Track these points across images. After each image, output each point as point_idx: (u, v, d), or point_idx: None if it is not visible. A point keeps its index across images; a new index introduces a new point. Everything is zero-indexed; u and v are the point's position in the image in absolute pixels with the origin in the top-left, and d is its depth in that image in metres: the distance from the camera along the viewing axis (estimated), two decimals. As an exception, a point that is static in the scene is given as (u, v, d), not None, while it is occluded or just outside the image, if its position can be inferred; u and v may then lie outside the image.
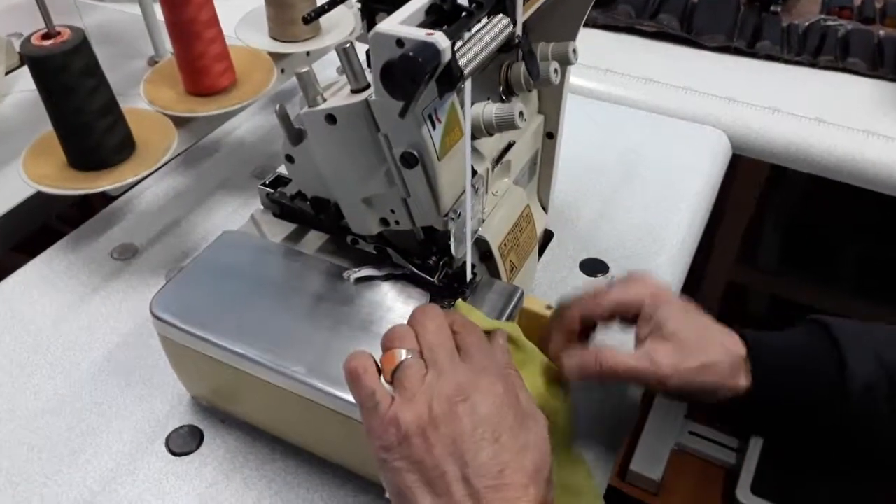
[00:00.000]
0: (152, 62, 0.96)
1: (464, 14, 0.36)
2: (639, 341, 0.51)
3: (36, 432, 0.56)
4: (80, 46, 0.59)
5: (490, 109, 0.50)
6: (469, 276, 0.51)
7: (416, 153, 0.44)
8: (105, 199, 0.77)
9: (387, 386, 0.41)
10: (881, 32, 1.02)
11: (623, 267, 0.70)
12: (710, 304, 1.48)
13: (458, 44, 0.36)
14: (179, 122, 0.73)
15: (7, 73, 0.91)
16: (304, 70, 0.45)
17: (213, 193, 0.78)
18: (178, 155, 0.82)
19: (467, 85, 0.41)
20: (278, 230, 0.57)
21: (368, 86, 0.45)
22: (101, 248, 0.71)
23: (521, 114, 0.50)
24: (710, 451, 1.44)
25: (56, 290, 0.67)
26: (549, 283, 0.68)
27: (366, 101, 0.44)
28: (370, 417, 0.39)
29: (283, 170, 0.59)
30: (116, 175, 0.64)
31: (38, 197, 0.75)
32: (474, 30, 0.37)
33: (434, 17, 0.37)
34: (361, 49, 0.42)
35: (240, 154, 0.84)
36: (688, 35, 1.02)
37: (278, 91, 0.92)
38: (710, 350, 0.50)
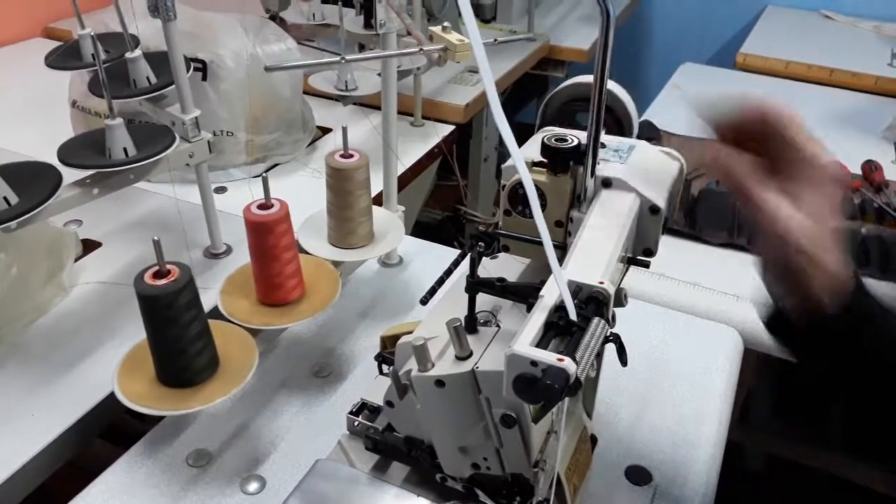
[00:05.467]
0: (209, 253, 1.04)
1: (574, 329, 0.44)
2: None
3: None
4: (188, 284, 0.66)
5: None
6: (550, 515, 0.56)
7: (514, 415, 0.51)
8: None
9: None
10: (863, 230, 1.14)
11: (665, 475, 0.76)
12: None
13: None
14: (253, 331, 0.79)
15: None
16: (419, 343, 0.52)
17: (277, 393, 0.84)
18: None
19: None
20: (365, 457, 0.63)
21: (471, 354, 0.52)
22: (177, 454, 0.75)
23: (594, 366, 0.57)
24: None
25: (138, 499, 0.70)
26: (600, 494, 0.73)
27: (473, 371, 0.51)
28: None
29: (366, 396, 0.65)
30: (206, 395, 0.69)
31: (103, 401, 0.80)
32: (583, 340, 0.45)
33: (552, 333, 0.44)
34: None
35: (297, 351, 0.90)
36: (692, 231, 1.13)
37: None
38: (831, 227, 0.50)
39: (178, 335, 0.68)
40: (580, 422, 0.67)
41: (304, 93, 1.34)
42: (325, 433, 0.77)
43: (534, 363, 0.41)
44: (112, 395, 0.79)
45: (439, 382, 0.52)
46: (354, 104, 1.52)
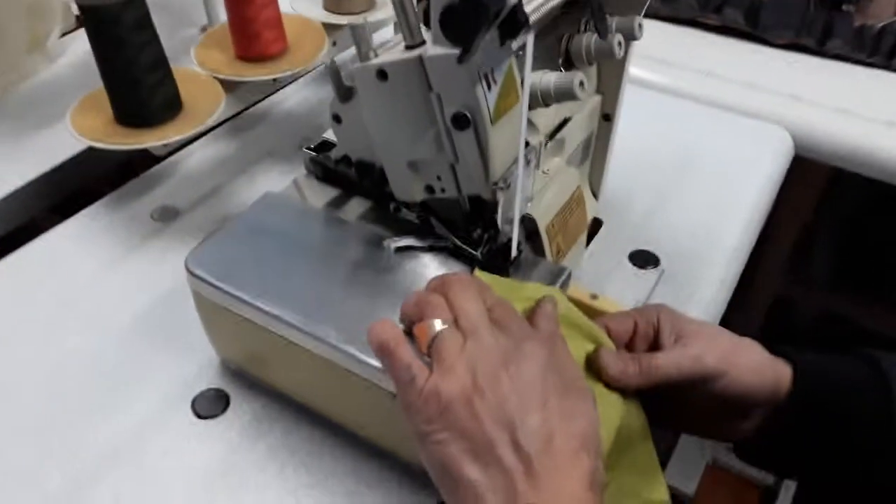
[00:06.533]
0: (204, 30, 0.96)
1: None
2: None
3: (64, 385, 0.55)
4: (135, 0, 0.59)
5: (549, 78, 0.48)
6: (514, 252, 0.48)
7: (468, 114, 0.42)
8: (149, 161, 0.77)
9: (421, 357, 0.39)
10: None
11: (675, 262, 0.67)
12: (755, 318, 1.43)
13: (524, -8, 0.34)
14: (228, 86, 0.72)
15: (63, 35, 0.91)
16: (358, 23, 0.43)
17: (258, 162, 0.77)
18: (226, 121, 0.81)
19: (529, 41, 0.38)
20: (320, 195, 0.55)
21: (423, 43, 0.43)
22: (142, 209, 0.70)
23: (581, 83, 0.47)
24: (748, 468, 1.39)
25: (95, 247, 0.66)
26: (596, 273, 0.65)
27: (419, 57, 0.42)
28: (407, 391, 0.38)
29: (329, 135, 0.57)
30: (160, 133, 0.63)
31: (83, 157, 0.75)
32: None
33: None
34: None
35: (287, 125, 0.83)
36: (753, 30, 0.98)
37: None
38: (745, 344, 0.47)
39: (129, 60, 0.61)
40: (572, 178, 0.58)
41: None
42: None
43: (463, -15, 0.32)
44: (83, 156, 0.74)
45: (381, 74, 0.43)
46: None
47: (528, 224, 0.54)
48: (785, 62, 0.95)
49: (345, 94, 0.47)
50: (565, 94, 0.48)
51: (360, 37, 0.43)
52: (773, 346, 0.48)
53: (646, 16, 1.07)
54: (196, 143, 0.79)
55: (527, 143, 0.49)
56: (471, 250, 0.48)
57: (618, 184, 0.75)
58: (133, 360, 0.57)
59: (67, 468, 0.50)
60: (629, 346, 0.48)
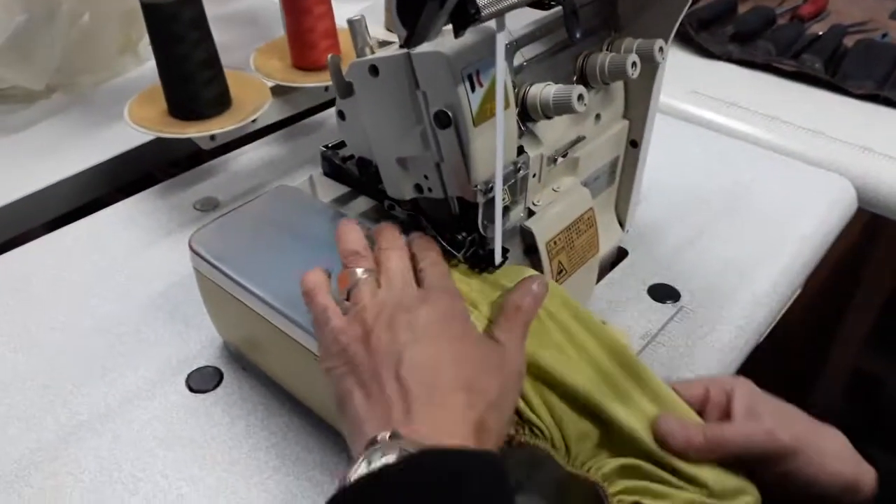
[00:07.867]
0: (282, 45, 1.01)
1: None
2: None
3: (80, 346, 0.59)
4: (192, 0, 0.63)
5: (549, 90, 0.48)
6: (498, 258, 0.48)
7: (450, 113, 0.43)
8: (209, 157, 0.82)
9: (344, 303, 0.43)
10: None
11: (697, 299, 0.64)
12: (834, 395, 1.33)
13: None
14: (281, 91, 0.76)
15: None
16: (356, 18, 0.45)
17: (303, 166, 0.80)
18: (282, 127, 0.85)
19: (499, 40, 0.39)
20: (330, 191, 0.57)
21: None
22: (187, 199, 0.75)
23: (580, 97, 0.47)
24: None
25: (137, 227, 0.71)
26: (609, 302, 0.63)
27: (408, 54, 0.43)
28: (321, 331, 0.41)
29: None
30: (205, 125, 0.67)
31: (147, 147, 0.81)
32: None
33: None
34: None
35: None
36: (831, 79, 0.94)
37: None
38: (827, 429, 0.44)
39: (184, 55, 0.65)
40: (584, 198, 0.57)
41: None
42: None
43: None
44: (151, 145, 0.80)
45: (373, 69, 0.45)
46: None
47: (527, 238, 0.53)
48: (860, 114, 0.90)
49: (344, 89, 0.49)
50: (564, 107, 0.48)
51: (356, 32, 0.45)
52: (855, 432, 0.45)
53: (720, 59, 1.05)
54: (250, 145, 0.83)
55: (522, 150, 0.50)
56: (454, 252, 0.49)
57: (655, 216, 0.73)
58: (147, 331, 0.60)
59: (62, 420, 0.53)
60: (700, 415, 0.45)
